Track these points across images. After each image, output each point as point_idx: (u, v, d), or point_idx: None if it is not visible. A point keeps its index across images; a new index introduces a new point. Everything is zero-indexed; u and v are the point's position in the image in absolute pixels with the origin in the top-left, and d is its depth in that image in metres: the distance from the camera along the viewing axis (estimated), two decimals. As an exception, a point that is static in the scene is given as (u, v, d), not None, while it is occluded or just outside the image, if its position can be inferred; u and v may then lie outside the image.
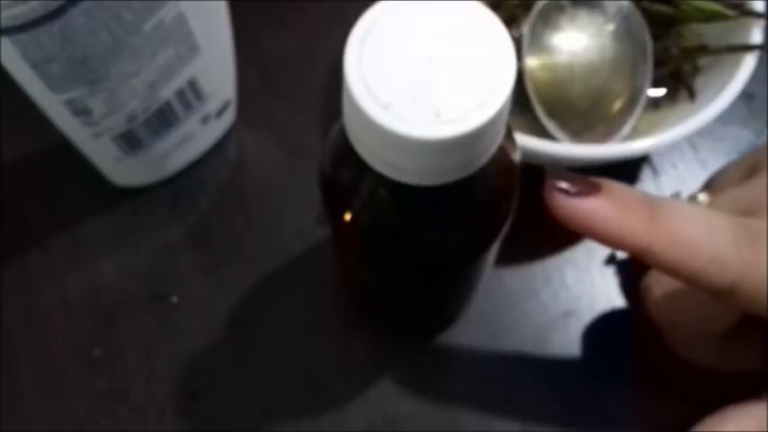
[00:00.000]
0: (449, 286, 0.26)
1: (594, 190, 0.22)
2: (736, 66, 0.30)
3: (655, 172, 0.35)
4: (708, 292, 0.23)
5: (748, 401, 0.25)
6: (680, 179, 0.35)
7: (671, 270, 0.23)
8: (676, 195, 0.29)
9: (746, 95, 0.34)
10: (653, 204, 0.22)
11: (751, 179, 0.28)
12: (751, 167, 0.29)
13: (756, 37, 0.30)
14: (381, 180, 0.18)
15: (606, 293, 0.32)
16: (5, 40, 0.23)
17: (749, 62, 0.29)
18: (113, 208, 0.34)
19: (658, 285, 0.27)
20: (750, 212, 0.26)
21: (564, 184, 0.22)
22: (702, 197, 0.28)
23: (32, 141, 0.35)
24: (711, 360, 0.27)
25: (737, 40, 0.30)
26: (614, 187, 0.22)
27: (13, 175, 0.34)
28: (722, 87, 0.29)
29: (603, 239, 0.22)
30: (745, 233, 0.22)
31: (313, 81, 0.36)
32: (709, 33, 0.32)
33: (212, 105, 0.33)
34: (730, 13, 0.31)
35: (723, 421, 0.25)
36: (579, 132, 0.31)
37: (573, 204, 0.22)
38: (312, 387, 0.31)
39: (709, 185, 0.31)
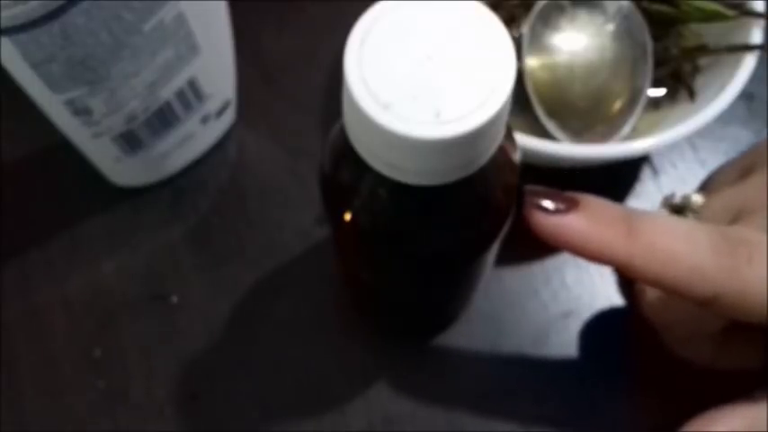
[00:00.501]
0: (449, 286, 0.26)
1: (572, 206, 0.22)
2: (736, 66, 0.30)
3: (655, 172, 0.35)
4: (691, 301, 0.23)
5: (738, 401, 0.25)
6: (680, 179, 0.35)
7: (652, 282, 0.23)
8: (671, 195, 0.29)
9: (746, 95, 0.34)
10: (631, 218, 0.22)
11: (745, 179, 0.28)
12: (746, 167, 0.29)
13: (756, 37, 0.30)
14: (381, 180, 0.18)
15: (606, 293, 0.32)
16: (5, 40, 0.23)
17: (749, 62, 0.29)
18: (113, 208, 0.34)
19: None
20: (743, 213, 0.26)
21: (543, 202, 0.22)
22: (697, 197, 0.28)
23: (32, 141, 0.35)
24: (708, 358, 0.27)
25: (737, 40, 0.30)
26: (592, 202, 0.22)
27: (13, 175, 0.35)
28: (722, 87, 0.29)
29: (584, 255, 0.22)
30: (725, 243, 0.22)
31: (313, 81, 0.36)
32: (709, 33, 0.32)
33: (212, 105, 0.33)
34: (730, 13, 0.31)
35: (713, 421, 0.25)
36: (579, 132, 0.31)
37: (552, 222, 0.22)
38: (312, 387, 0.31)
39: (705, 185, 0.31)
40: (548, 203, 0.22)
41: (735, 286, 0.22)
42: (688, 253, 0.22)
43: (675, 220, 0.23)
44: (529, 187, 0.22)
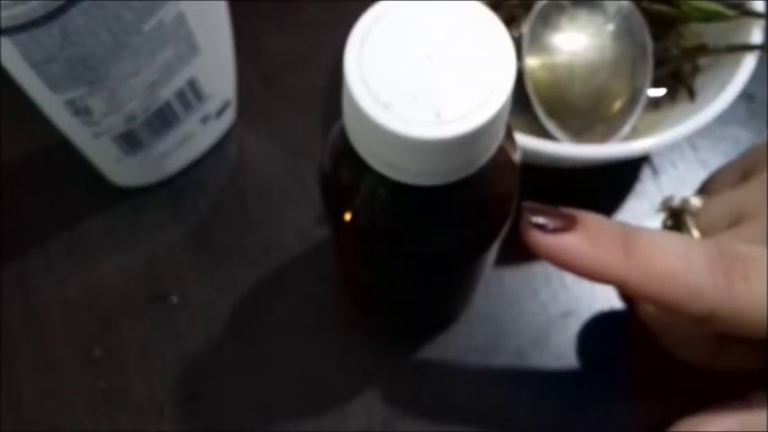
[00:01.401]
0: (449, 286, 0.26)
1: (569, 225, 0.22)
2: (736, 66, 0.30)
3: (655, 172, 0.35)
4: (687, 318, 0.23)
5: (731, 403, 0.25)
6: (680, 179, 0.35)
7: (650, 300, 0.23)
8: (670, 198, 0.29)
9: (746, 95, 0.34)
10: (628, 236, 0.22)
11: (744, 183, 0.28)
12: (746, 170, 0.29)
13: (756, 37, 0.30)
14: (381, 180, 0.18)
15: (606, 294, 0.32)
16: (5, 40, 0.23)
17: (749, 62, 0.29)
18: (113, 208, 0.34)
19: None
20: (742, 217, 0.26)
21: (539, 220, 0.22)
22: (695, 200, 0.28)
23: (32, 141, 0.35)
24: (706, 360, 0.27)
25: (737, 40, 0.30)
26: (589, 221, 0.22)
27: (13, 175, 0.35)
28: (722, 87, 0.29)
29: (581, 274, 0.23)
30: (721, 260, 0.22)
31: (313, 81, 0.36)
32: (709, 33, 0.32)
33: (212, 105, 0.33)
34: (730, 13, 0.31)
35: (704, 422, 0.25)
36: (579, 132, 0.31)
37: (548, 241, 0.22)
38: (312, 387, 0.31)
39: (705, 187, 0.31)
40: (545, 222, 0.22)
41: (731, 304, 0.22)
42: (684, 272, 0.22)
43: (672, 238, 0.23)
44: (526, 204, 0.22)
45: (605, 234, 0.22)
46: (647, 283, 0.22)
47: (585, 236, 0.22)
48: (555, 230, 0.22)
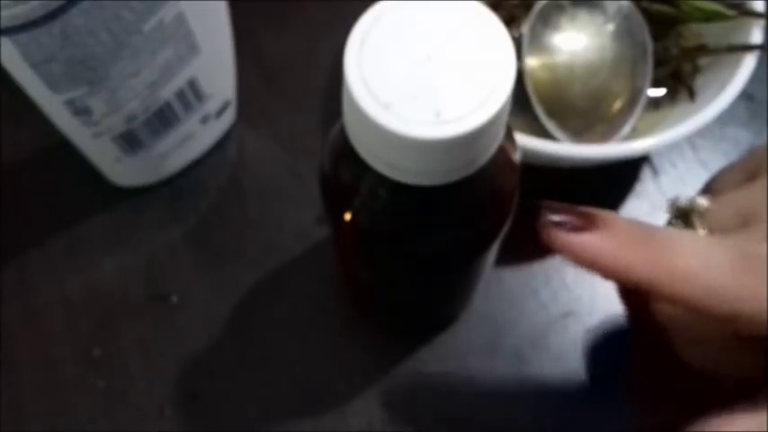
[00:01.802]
0: (449, 286, 0.26)
1: (591, 224, 0.22)
2: (736, 66, 0.30)
3: (655, 172, 0.35)
4: (709, 318, 0.23)
5: (739, 404, 0.25)
6: (680, 179, 0.35)
7: (672, 301, 0.23)
8: (675, 198, 0.29)
9: (746, 95, 0.34)
10: (650, 236, 0.22)
11: (752, 182, 0.28)
12: (751, 170, 0.28)
13: (756, 37, 0.30)
14: (381, 180, 0.18)
15: (606, 294, 0.32)
16: (5, 40, 0.23)
17: (749, 62, 0.29)
18: (113, 208, 0.34)
19: None
20: (752, 218, 0.26)
21: (560, 218, 0.22)
22: (702, 200, 0.28)
23: (32, 141, 0.35)
24: (713, 363, 0.27)
25: (737, 40, 0.30)
26: (612, 220, 0.22)
27: (13, 175, 0.35)
28: (722, 87, 0.29)
29: (602, 274, 0.22)
30: (743, 262, 0.22)
31: (313, 81, 0.36)
32: (709, 33, 0.32)
33: (212, 105, 0.33)
34: (730, 13, 0.31)
35: (727, 422, 0.25)
36: (579, 132, 0.31)
37: (570, 240, 0.22)
38: (312, 387, 0.31)
39: (710, 187, 0.31)
40: (566, 220, 0.22)
41: (754, 305, 0.22)
42: (706, 274, 0.22)
43: (694, 238, 0.23)
44: (546, 203, 0.22)
45: (628, 233, 0.22)
46: (671, 284, 0.22)
47: (608, 235, 0.22)
48: (575, 229, 0.22)
